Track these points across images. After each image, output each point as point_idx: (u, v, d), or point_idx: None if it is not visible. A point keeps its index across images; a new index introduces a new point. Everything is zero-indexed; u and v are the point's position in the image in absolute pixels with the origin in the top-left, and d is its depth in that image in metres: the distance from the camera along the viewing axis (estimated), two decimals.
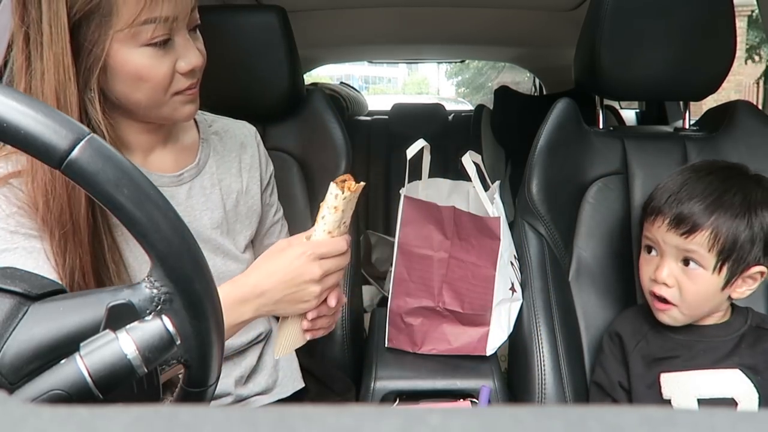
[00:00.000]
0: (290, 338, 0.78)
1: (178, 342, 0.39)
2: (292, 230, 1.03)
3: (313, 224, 0.73)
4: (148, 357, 0.37)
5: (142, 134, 0.78)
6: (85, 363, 0.36)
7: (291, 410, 0.17)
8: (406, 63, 6.01)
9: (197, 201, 0.83)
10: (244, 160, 0.91)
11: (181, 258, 0.39)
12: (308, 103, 1.19)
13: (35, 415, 0.16)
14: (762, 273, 0.86)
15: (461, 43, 2.65)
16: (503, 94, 2.54)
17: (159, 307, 0.39)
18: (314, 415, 0.16)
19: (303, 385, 0.98)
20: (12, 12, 0.65)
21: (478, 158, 1.13)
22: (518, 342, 1.03)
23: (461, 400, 0.97)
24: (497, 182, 1.18)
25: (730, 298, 0.88)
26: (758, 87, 10.28)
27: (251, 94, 1.13)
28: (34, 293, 0.39)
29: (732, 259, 0.83)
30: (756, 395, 0.84)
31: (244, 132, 0.93)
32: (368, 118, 2.91)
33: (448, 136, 2.63)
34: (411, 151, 1.10)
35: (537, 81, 3.31)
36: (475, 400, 0.96)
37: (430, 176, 1.25)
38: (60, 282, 0.58)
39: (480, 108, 2.60)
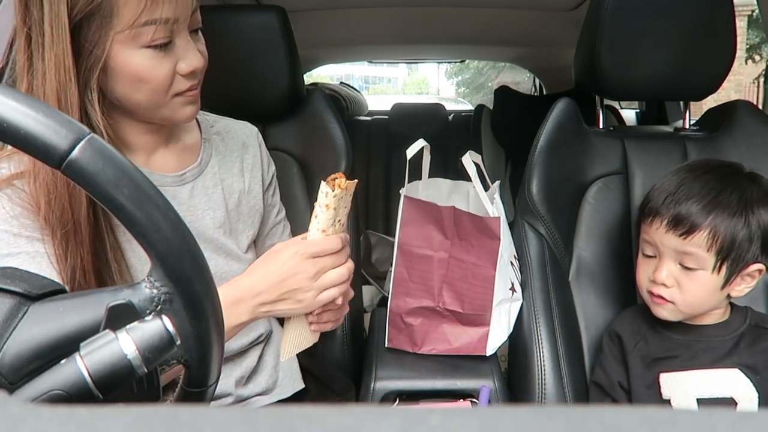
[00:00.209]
0: (294, 340, 0.78)
1: (178, 342, 0.39)
2: (293, 230, 1.04)
3: None
4: (148, 357, 0.37)
5: (143, 134, 0.78)
6: (85, 363, 0.36)
7: (291, 410, 0.17)
8: (406, 63, 6.01)
9: (200, 201, 0.83)
10: (246, 160, 0.91)
11: (181, 258, 0.39)
12: (308, 103, 1.19)
13: (35, 415, 0.16)
14: (760, 270, 0.86)
15: (461, 43, 2.65)
16: (503, 94, 2.55)
17: (159, 307, 0.39)
18: (314, 415, 0.16)
19: (303, 386, 0.98)
20: (14, 13, 0.65)
21: (478, 158, 1.13)
22: (518, 342, 1.03)
23: (461, 400, 0.97)
24: (497, 182, 1.18)
25: (729, 296, 0.88)
26: (758, 87, 10.28)
27: (251, 94, 1.13)
28: (34, 293, 0.39)
29: (731, 258, 0.83)
30: (755, 395, 0.84)
31: (246, 132, 0.94)
32: (368, 118, 2.91)
33: (448, 136, 2.63)
34: (411, 151, 1.10)
35: (537, 81, 3.31)
36: (475, 400, 0.96)
37: (430, 176, 1.25)
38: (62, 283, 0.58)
39: (480, 108, 2.60)
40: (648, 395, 0.89)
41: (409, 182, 1.14)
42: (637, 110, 2.77)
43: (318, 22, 1.95)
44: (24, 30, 0.64)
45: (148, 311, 0.39)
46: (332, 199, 0.70)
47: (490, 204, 1.10)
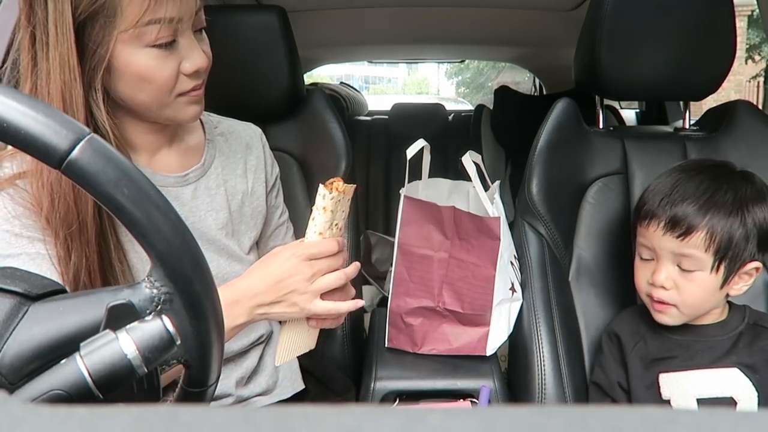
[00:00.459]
0: (289, 345, 0.78)
1: (178, 342, 0.39)
2: (294, 231, 1.03)
3: None
4: (148, 357, 0.37)
5: (147, 134, 0.78)
6: (85, 363, 0.36)
7: (291, 410, 0.17)
8: (406, 63, 6.00)
9: (202, 201, 0.83)
10: (250, 161, 0.91)
11: (181, 258, 0.39)
12: (308, 103, 1.19)
13: (35, 415, 0.16)
14: (757, 268, 0.86)
15: (461, 43, 2.65)
16: (503, 94, 2.54)
17: (159, 307, 0.39)
18: (314, 415, 0.16)
19: (303, 386, 0.98)
20: (18, 12, 0.65)
21: (478, 158, 1.13)
22: (518, 342, 1.03)
23: (461, 400, 0.97)
24: (497, 182, 1.18)
25: (727, 296, 0.89)
26: (758, 86, 10.28)
27: (251, 94, 1.13)
28: (34, 293, 0.39)
29: (728, 257, 0.83)
30: (755, 394, 0.84)
31: (250, 133, 0.94)
32: (368, 118, 2.91)
33: (448, 136, 2.63)
34: (411, 151, 1.10)
35: (537, 81, 3.31)
36: (475, 400, 0.96)
37: (430, 176, 1.25)
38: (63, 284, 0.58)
39: (480, 108, 2.60)
40: (647, 395, 0.89)
41: (409, 182, 1.14)
42: (637, 110, 2.76)
43: (318, 22, 1.95)
44: (28, 29, 0.64)
45: (148, 311, 0.39)
46: (329, 201, 0.70)
47: (490, 204, 1.10)
